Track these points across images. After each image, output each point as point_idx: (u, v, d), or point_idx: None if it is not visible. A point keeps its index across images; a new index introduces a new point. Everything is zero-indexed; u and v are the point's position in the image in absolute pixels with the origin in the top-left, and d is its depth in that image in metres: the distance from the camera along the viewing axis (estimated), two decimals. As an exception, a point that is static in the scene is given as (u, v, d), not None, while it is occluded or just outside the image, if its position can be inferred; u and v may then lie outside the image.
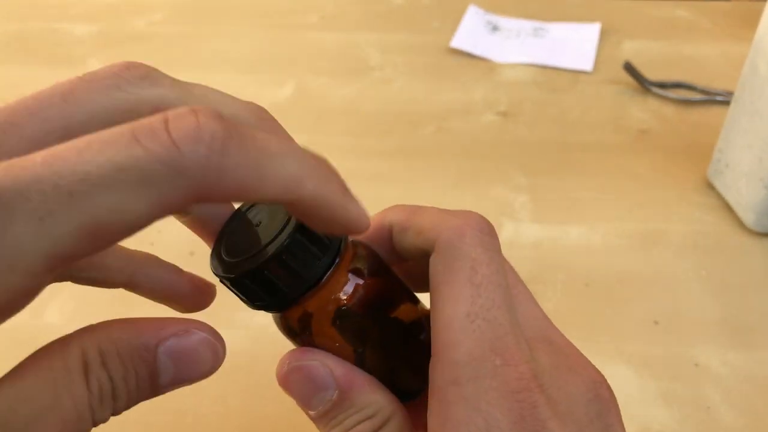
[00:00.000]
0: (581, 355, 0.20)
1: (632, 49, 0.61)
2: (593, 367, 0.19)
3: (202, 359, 0.17)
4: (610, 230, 0.42)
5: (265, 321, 0.23)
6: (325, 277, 0.19)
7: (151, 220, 0.14)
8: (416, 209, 0.21)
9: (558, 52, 0.61)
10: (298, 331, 0.20)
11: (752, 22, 0.43)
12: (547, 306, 0.22)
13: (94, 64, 0.59)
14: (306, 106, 0.54)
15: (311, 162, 0.17)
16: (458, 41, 0.61)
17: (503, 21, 0.66)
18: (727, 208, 0.44)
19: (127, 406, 0.17)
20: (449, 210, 0.20)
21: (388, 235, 0.22)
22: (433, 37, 0.63)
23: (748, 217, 0.42)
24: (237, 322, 0.36)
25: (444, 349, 0.18)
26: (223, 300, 0.22)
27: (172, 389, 0.17)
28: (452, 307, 0.18)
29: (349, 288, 0.19)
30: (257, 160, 0.15)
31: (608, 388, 0.19)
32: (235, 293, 0.19)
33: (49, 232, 0.13)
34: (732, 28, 0.65)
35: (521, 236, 0.42)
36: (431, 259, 0.19)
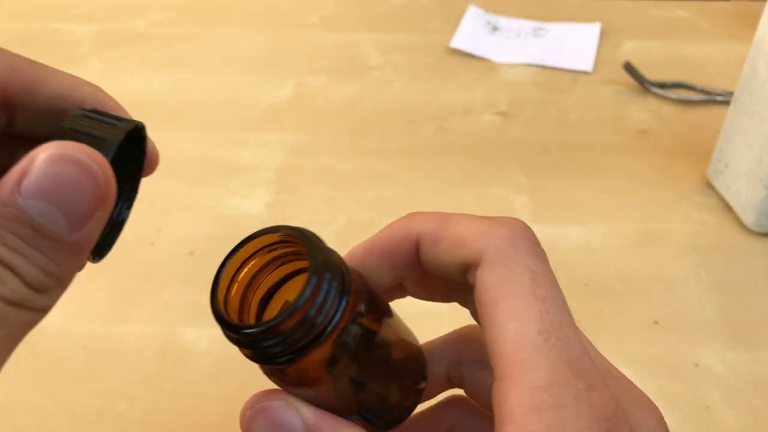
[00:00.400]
0: (636, 386, 0.18)
1: (632, 50, 0.61)
2: (650, 399, 0.18)
3: (69, 179, 0.14)
4: (609, 230, 0.42)
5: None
6: (331, 327, 0.17)
7: None
8: (446, 217, 0.19)
9: (558, 53, 0.61)
10: (280, 374, 0.18)
11: (752, 22, 0.43)
12: (547, 306, 0.22)
13: (95, 64, 0.59)
14: (306, 106, 0.54)
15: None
16: (458, 41, 0.61)
17: (503, 21, 0.66)
18: (727, 208, 0.44)
19: (45, 280, 0.14)
20: (486, 217, 0.19)
21: (413, 247, 0.20)
22: (433, 37, 0.63)
23: (748, 217, 0.42)
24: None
25: (517, 371, 0.16)
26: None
27: (84, 232, 0.15)
28: (520, 324, 0.16)
29: (355, 331, 0.18)
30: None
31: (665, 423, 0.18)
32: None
33: None
34: (732, 29, 0.65)
35: (521, 236, 0.42)
36: (480, 273, 0.17)
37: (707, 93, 0.55)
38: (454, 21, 0.65)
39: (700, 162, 0.47)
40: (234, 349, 0.18)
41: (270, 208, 0.43)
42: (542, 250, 0.18)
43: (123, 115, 0.19)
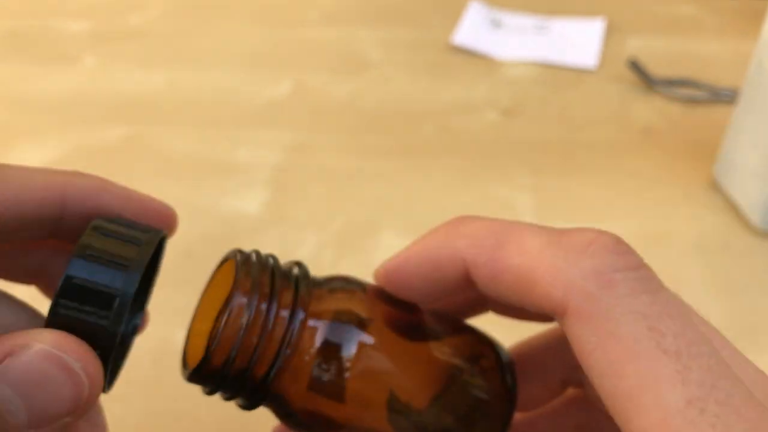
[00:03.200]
0: None
1: (637, 46, 0.61)
2: None
3: (51, 381, 0.13)
4: (614, 229, 0.41)
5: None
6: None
7: None
8: (502, 236, 0.14)
9: (561, 49, 0.60)
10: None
11: (759, 19, 0.42)
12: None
13: (90, 60, 0.58)
14: (304, 103, 0.53)
15: (60, 169, 0.17)
16: (460, 38, 0.61)
17: (506, 17, 0.65)
18: (734, 207, 0.43)
19: None
20: (554, 233, 0.14)
21: (460, 274, 0.15)
22: (434, 33, 0.62)
23: (755, 217, 0.41)
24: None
25: None
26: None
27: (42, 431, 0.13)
28: (656, 397, 0.12)
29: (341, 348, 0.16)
30: None
31: None
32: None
33: None
34: (738, 25, 0.64)
35: (524, 236, 0.41)
36: (572, 330, 0.13)
37: (713, 91, 0.54)
38: (455, 17, 0.64)
39: (706, 161, 0.47)
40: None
41: (268, 208, 0.43)
42: (650, 273, 0.13)
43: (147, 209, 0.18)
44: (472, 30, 0.62)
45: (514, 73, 0.57)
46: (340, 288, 0.17)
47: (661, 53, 0.60)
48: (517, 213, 0.43)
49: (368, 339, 0.16)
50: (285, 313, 0.16)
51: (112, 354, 0.15)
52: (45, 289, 0.20)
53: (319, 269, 0.38)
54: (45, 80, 0.55)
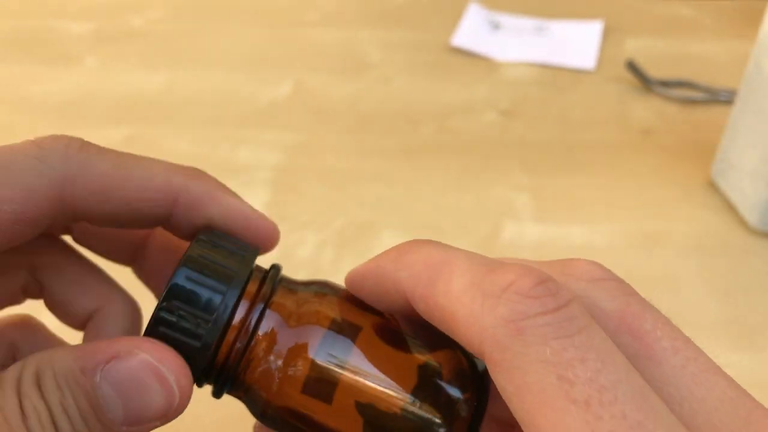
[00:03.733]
0: None
1: (635, 48, 0.61)
2: None
3: (148, 389, 0.15)
4: (612, 230, 0.42)
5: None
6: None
7: (20, 214, 0.15)
8: (434, 276, 0.14)
9: (560, 51, 0.60)
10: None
11: (756, 20, 0.42)
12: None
13: (91, 61, 0.58)
14: (305, 104, 0.53)
15: (179, 165, 0.18)
16: (459, 39, 0.61)
17: (505, 19, 0.65)
18: (731, 207, 0.43)
19: None
20: (481, 270, 0.14)
21: (403, 300, 0.16)
22: (433, 35, 0.63)
23: (752, 217, 0.41)
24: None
25: None
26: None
27: (134, 430, 0.15)
28: None
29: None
30: (119, 158, 0.17)
31: None
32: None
33: None
34: (736, 27, 0.64)
35: (523, 236, 0.41)
36: (492, 376, 0.13)
37: (711, 92, 0.55)
38: (455, 19, 0.65)
39: (703, 161, 0.47)
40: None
41: (268, 208, 0.43)
42: (571, 313, 0.13)
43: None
44: (472, 31, 0.62)
45: (514, 75, 0.58)
46: (311, 289, 0.18)
47: (659, 54, 0.60)
48: (515, 213, 0.43)
49: (330, 337, 0.16)
50: (246, 303, 0.17)
51: (202, 364, 0.16)
52: (139, 272, 0.21)
53: (319, 269, 0.39)
54: (47, 81, 0.56)
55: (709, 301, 0.38)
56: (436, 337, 0.16)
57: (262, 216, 0.19)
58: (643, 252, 0.41)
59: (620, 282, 0.15)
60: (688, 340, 0.14)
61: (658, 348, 0.14)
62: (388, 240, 0.40)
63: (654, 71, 0.56)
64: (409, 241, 0.16)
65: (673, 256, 0.40)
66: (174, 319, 0.16)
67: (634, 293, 0.15)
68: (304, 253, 0.39)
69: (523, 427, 0.13)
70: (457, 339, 0.14)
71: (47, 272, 0.20)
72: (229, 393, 0.17)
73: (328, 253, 0.39)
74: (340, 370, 0.16)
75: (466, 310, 0.13)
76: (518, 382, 0.12)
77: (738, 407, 0.13)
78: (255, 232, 0.18)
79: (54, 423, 0.14)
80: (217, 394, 0.17)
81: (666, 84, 0.55)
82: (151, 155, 0.19)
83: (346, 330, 0.17)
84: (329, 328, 0.17)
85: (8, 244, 0.16)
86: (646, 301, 0.15)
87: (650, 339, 0.14)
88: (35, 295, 0.20)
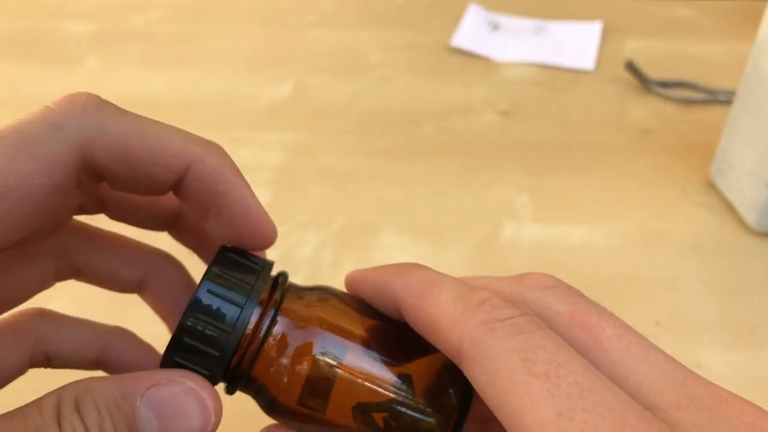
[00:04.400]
0: (732, 397, 0.16)
1: (634, 48, 0.61)
2: (749, 405, 0.15)
3: (187, 411, 0.16)
4: (611, 230, 0.42)
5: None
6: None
7: (50, 186, 0.15)
8: (426, 290, 0.17)
9: (559, 51, 0.60)
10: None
11: (755, 20, 0.42)
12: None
13: (92, 63, 0.59)
14: (305, 104, 0.54)
15: (197, 136, 0.18)
16: (459, 40, 0.61)
17: (504, 20, 0.65)
18: (730, 208, 0.43)
19: None
20: (464, 289, 0.17)
21: (397, 308, 0.18)
22: (433, 35, 0.63)
23: (751, 218, 0.42)
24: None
25: None
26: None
27: None
28: (533, 413, 0.14)
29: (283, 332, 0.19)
30: (137, 120, 0.17)
31: None
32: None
33: None
34: (734, 27, 0.64)
35: (522, 236, 0.41)
36: (467, 372, 0.16)
37: (710, 92, 0.55)
38: (454, 19, 0.65)
39: (702, 161, 0.47)
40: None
41: (269, 208, 0.43)
42: (530, 320, 0.16)
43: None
44: (471, 32, 0.63)
45: (513, 75, 0.58)
46: (315, 294, 0.19)
47: (657, 55, 0.60)
48: (515, 213, 0.43)
49: (331, 338, 0.18)
50: (258, 310, 0.18)
51: (221, 371, 0.17)
52: (176, 234, 0.22)
53: (319, 269, 0.39)
54: (47, 81, 0.56)
55: (708, 300, 0.38)
56: (424, 342, 0.18)
57: (264, 211, 0.19)
58: (642, 252, 0.41)
59: (569, 287, 0.18)
60: (629, 328, 0.17)
61: (604, 337, 0.16)
62: (388, 240, 0.40)
63: (653, 72, 0.56)
64: (409, 263, 0.19)
65: (672, 256, 0.40)
66: (199, 328, 0.17)
67: (581, 295, 0.18)
68: (304, 253, 0.39)
69: (495, 412, 0.15)
70: (439, 343, 0.16)
71: (81, 256, 0.20)
72: (242, 390, 0.19)
73: (328, 253, 0.40)
74: (339, 369, 0.18)
75: (449, 316, 0.16)
76: (489, 368, 0.15)
77: (676, 375, 0.16)
78: (253, 223, 0.19)
79: None
80: (230, 392, 0.19)
81: (665, 84, 0.55)
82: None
83: (346, 331, 0.18)
84: (331, 330, 0.18)
85: (46, 217, 0.16)
86: (591, 301, 0.18)
87: (597, 330, 0.16)
88: (69, 278, 0.21)
